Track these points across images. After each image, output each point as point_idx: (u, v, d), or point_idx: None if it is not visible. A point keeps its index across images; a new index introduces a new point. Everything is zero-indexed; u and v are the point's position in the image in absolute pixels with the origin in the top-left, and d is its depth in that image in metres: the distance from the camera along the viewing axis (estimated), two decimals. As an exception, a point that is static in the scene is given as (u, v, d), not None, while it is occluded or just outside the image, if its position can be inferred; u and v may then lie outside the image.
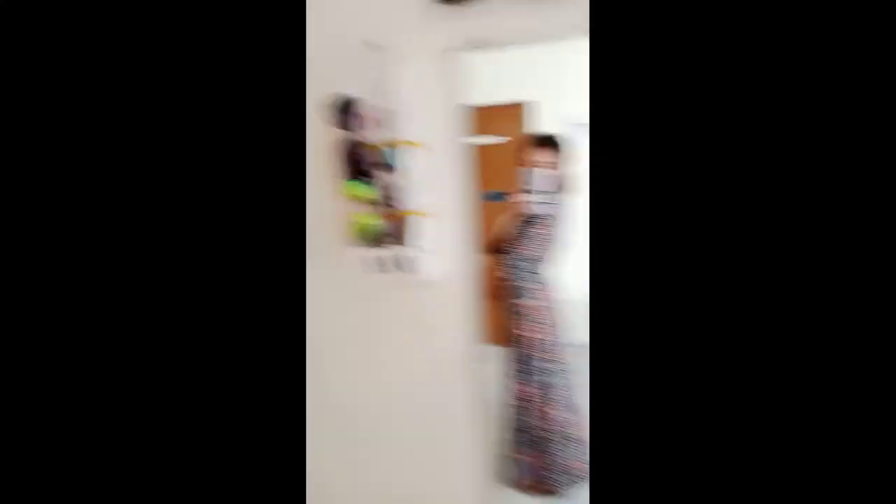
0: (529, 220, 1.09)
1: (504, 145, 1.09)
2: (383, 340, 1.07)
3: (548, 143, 1.06)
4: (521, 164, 1.07)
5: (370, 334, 1.07)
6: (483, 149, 0.96)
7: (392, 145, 0.88)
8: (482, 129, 0.95)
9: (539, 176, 1.03)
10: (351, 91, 0.87)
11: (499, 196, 1.07)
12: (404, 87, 0.88)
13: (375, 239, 0.92)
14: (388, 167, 0.87)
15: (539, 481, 1.20)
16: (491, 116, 1.02)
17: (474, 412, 1.04)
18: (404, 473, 1.12)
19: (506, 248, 1.12)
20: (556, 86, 1.09)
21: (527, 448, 1.19)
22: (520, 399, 1.17)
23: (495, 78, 0.99)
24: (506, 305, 1.15)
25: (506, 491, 1.13)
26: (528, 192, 1.04)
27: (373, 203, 0.90)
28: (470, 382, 1.03)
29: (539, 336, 1.15)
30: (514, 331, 1.16)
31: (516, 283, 1.12)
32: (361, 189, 0.89)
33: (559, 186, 1.09)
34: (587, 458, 1.13)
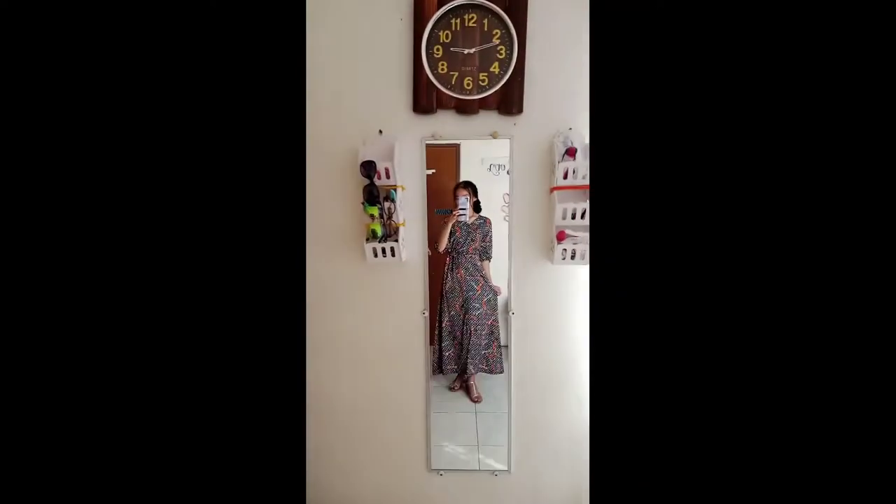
0: (467, 228, 1.84)
1: (439, 174, 1.83)
2: (381, 292, 1.80)
3: (467, 185, 1.89)
4: (455, 195, 1.87)
5: (373, 289, 1.79)
6: (430, 177, 1.74)
7: (392, 187, 1.62)
8: (430, 164, 1.72)
9: (463, 201, 1.83)
10: (372, 157, 1.59)
11: (446, 210, 1.82)
12: (398, 156, 1.64)
13: (379, 237, 1.64)
14: (389, 198, 1.61)
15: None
16: (436, 154, 1.73)
17: (423, 336, 1.83)
18: (380, 377, 1.86)
19: (453, 249, 1.85)
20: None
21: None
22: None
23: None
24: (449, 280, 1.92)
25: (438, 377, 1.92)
26: (462, 210, 1.78)
27: (379, 217, 1.63)
28: (420, 319, 1.82)
29: (479, 309, 1.87)
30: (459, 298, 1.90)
31: (463, 273, 1.85)
32: (374, 210, 1.60)
33: (475, 206, 1.90)
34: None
